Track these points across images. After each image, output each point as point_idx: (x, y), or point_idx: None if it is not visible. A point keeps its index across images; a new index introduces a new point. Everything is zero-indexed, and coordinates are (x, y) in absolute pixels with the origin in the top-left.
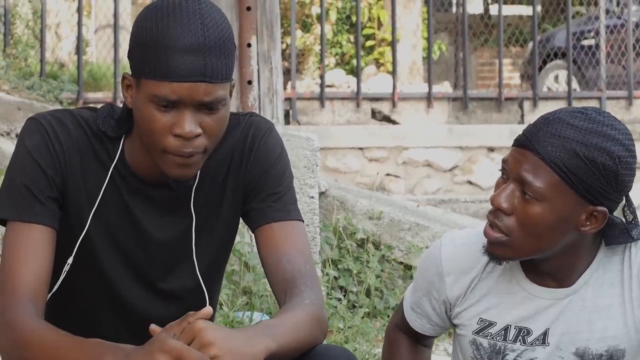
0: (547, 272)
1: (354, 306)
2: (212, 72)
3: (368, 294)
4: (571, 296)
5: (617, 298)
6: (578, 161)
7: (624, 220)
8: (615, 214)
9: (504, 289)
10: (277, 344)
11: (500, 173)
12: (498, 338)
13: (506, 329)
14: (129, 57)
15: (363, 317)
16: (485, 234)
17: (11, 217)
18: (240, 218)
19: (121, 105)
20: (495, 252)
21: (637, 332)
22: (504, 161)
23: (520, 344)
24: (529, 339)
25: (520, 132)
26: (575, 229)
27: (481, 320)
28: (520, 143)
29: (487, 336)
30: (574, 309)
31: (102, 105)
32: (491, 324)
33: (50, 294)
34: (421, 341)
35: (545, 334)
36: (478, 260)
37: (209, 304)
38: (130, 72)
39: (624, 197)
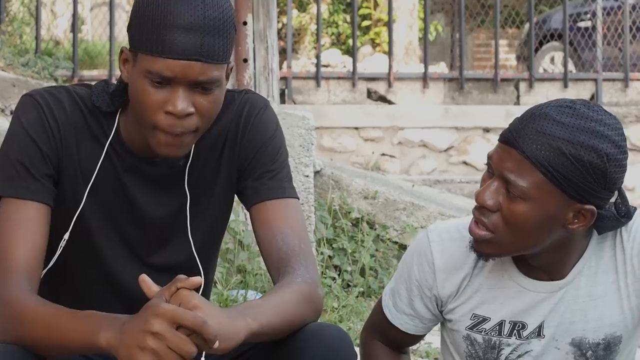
0: (538, 266)
1: (349, 285)
2: (208, 52)
3: (362, 273)
4: (564, 288)
5: (612, 285)
6: (564, 160)
7: (615, 213)
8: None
9: (496, 284)
10: (259, 323)
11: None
12: (492, 333)
13: (501, 324)
14: (128, 30)
15: (357, 297)
16: (470, 231)
17: (6, 194)
18: (235, 196)
19: (116, 82)
20: (481, 249)
21: (633, 317)
22: (489, 157)
23: (516, 338)
24: (524, 333)
25: (507, 126)
26: (563, 227)
27: (474, 316)
28: (505, 139)
29: (481, 332)
30: (568, 299)
31: (97, 82)
32: (485, 320)
33: (45, 270)
34: (401, 348)
35: (540, 326)
36: (468, 256)
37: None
38: (128, 46)
39: (615, 192)
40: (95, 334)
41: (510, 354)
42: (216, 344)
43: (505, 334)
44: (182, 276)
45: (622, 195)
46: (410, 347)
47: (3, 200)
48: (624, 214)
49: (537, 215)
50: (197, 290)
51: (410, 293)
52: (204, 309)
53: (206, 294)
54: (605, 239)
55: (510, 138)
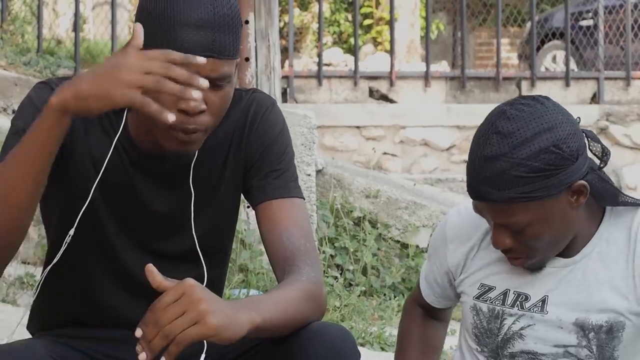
0: None
1: (350, 284)
2: (220, 48)
3: (364, 272)
4: (571, 266)
5: (620, 273)
6: (525, 180)
7: (596, 158)
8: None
9: (504, 257)
10: (262, 318)
11: None
12: (497, 302)
13: (505, 293)
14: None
15: (359, 296)
16: (513, 264)
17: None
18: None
19: None
20: (533, 266)
21: (638, 306)
22: (475, 211)
23: (518, 309)
24: (527, 305)
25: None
26: (572, 209)
27: (482, 286)
28: (474, 197)
29: (486, 301)
30: (574, 279)
31: None
32: (491, 289)
33: (52, 263)
34: (435, 315)
35: (543, 301)
36: (478, 228)
37: (208, 278)
38: None
39: (586, 151)
40: (46, 110)
41: (512, 324)
42: (203, 83)
43: (508, 303)
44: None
45: (592, 138)
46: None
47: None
48: (601, 152)
49: (546, 225)
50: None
51: (431, 266)
52: (208, 300)
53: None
54: (619, 229)
55: (477, 196)
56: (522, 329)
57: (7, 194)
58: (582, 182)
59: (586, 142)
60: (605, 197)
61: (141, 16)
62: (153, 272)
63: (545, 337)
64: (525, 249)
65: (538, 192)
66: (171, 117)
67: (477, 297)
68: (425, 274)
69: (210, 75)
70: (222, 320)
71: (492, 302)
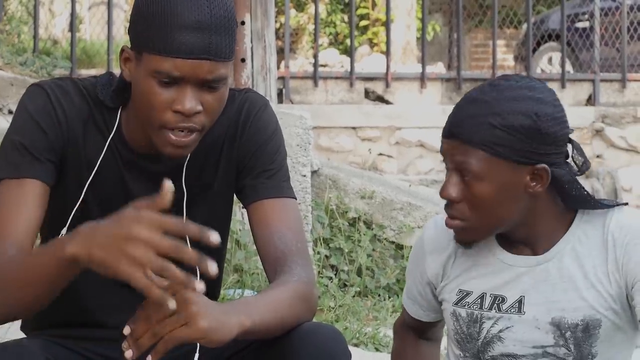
0: (519, 240)
1: (345, 285)
2: (216, 50)
3: (359, 273)
4: (544, 264)
5: (595, 269)
6: (497, 131)
7: (571, 173)
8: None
9: (480, 261)
10: (252, 320)
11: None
12: (474, 307)
13: (482, 297)
14: (129, 30)
15: (354, 296)
16: (446, 223)
17: (5, 175)
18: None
19: (117, 80)
20: (461, 237)
21: (614, 303)
22: (441, 153)
23: (495, 312)
24: (504, 307)
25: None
26: (525, 192)
27: (459, 291)
28: (445, 134)
29: (464, 306)
30: (549, 278)
31: (102, 74)
32: (468, 294)
33: None
34: (427, 334)
35: (520, 302)
36: (452, 238)
37: (200, 279)
38: (129, 45)
39: (564, 147)
40: (60, 249)
41: (491, 327)
42: (213, 267)
43: (486, 307)
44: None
45: (575, 146)
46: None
47: (4, 181)
48: (582, 162)
49: (496, 189)
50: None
51: (413, 280)
52: (198, 302)
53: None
54: (594, 226)
55: (447, 131)
56: (500, 331)
57: (24, 291)
58: (545, 166)
59: (570, 148)
60: (575, 199)
61: (136, 17)
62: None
63: (523, 338)
64: (465, 209)
65: (501, 150)
66: (172, 305)
67: (456, 303)
68: (407, 291)
69: (207, 77)
70: (212, 323)
71: (470, 307)
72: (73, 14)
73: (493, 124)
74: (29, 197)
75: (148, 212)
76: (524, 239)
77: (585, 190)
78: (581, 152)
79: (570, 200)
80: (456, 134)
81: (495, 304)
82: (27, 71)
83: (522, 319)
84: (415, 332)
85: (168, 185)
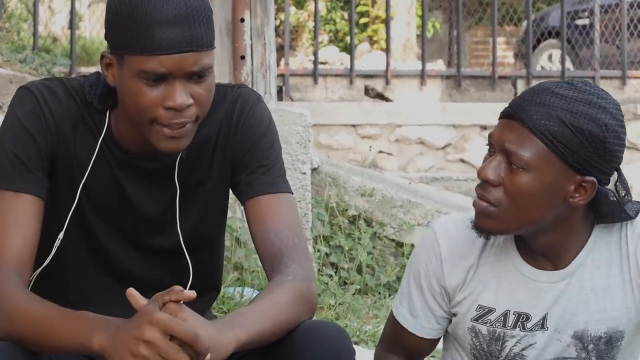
0: (540, 250)
1: (345, 283)
2: (198, 41)
3: (359, 270)
4: (567, 279)
5: (616, 279)
6: (564, 129)
7: (616, 196)
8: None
9: (500, 274)
10: (247, 334)
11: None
12: (497, 325)
13: (505, 315)
14: (107, 34)
15: (354, 294)
16: (474, 204)
17: (2, 186)
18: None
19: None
20: (484, 224)
21: (637, 312)
22: (490, 135)
23: (520, 330)
24: (529, 325)
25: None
26: (564, 201)
27: (480, 307)
28: (506, 114)
29: (486, 323)
30: (571, 291)
31: (89, 74)
32: (490, 311)
33: (41, 268)
34: (417, 355)
35: (544, 318)
36: (474, 245)
37: (194, 270)
38: (109, 50)
39: (614, 170)
40: (88, 337)
41: (514, 346)
42: (208, 356)
43: (509, 325)
44: (178, 287)
45: (621, 177)
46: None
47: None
48: (624, 194)
49: (539, 186)
50: (200, 292)
51: (422, 292)
52: (192, 322)
53: (214, 295)
54: (611, 233)
55: (510, 112)
56: (523, 349)
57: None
58: (594, 180)
59: (616, 175)
60: (609, 217)
61: (113, 20)
62: (135, 296)
63: (545, 352)
64: (500, 195)
65: (561, 148)
66: None
67: (476, 319)
68: (409, 306)
69: (193, 69)
70: (207, 343)
71: (492, 325)
72: (73, 12)
73: (563, 119)
74: (27, 214)
75: (161, 315)
76: (545, 250)
77: (625, 212)
78: (625, 185)
79: (602, 217)
80: (521, 116)
81: (520, 322)
82: (27, 69)
83: (545, 334)
84: (405, 357)
85: (191, 294)
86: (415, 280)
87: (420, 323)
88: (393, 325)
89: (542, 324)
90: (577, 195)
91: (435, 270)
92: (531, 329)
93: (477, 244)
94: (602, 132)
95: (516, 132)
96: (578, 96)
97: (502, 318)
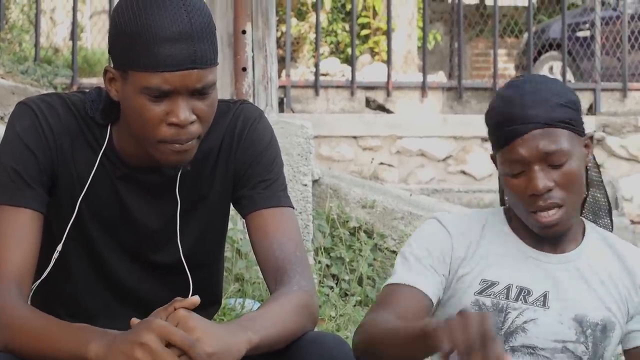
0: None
1: (346, 294)
2: (202, 58)
3: (360, 282)
4: (570, 263)
5: (610, 274)
6: (565, 109)
7: (593, 160)
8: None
9: (504, 251)
10: (259, 336)
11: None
12: (501, 297)
13: (508, 287)
14: (111, 49)
15: (355, 306)
16: (543, 222)
17: (2, 201)
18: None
19: (104, 99)
20: (558, 227)
21: (624, 310)
22: (512, 161)
23: (522, 303)
24: (530, 299)
25: (505, 129)
26: (585, 166)
27: (483, 281)
28: (525, 128)
29: (490, 295)
30: (573, 277)
31: (90, 89)
32: (494, 284)
33: (40, 280)
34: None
35: (545, 296)
36: (474, 222)
37: (195, 286)
38: (112, 65)
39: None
40: (84, 346)
41: (516, 317)
42: None
43: (512, 298)
44: (179, 298)
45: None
46: None
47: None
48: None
49: (580, 163)
50: (201, 306)
51: (420, 261)
52: (201, 328)
53: (216, 307)
54: (596, 236)
55: (523, 126)
56: (525, 322)
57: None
58: (591, 132)
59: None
60: (591, 204)
61: (117, 36)
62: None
63: (546, 331)
64: (560, 193)
65: (574, 124)
66: None
67: (480, 292)
68: (409, 267)
69: (196, 86)
70: (218, 347)
71: (496, 297)
72: (74, 23)
73: (560, 102)
74: (27, 229)
75: (159, 321)
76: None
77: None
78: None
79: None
80: (538, 119)
81: (522, 296)
82: (29, 80)
83: (546, 312)
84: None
85: (194, 299)
86: (420, 244)
87: (420, 278)
88: (385, 294)
89: (543, 301)
90: (587, 153)
91: (444, 240)
92: (533, 303)
93: (476, 226)
94: (575, 95)
95: (543, 135)
96: (544, 80)
97: (505, 291)
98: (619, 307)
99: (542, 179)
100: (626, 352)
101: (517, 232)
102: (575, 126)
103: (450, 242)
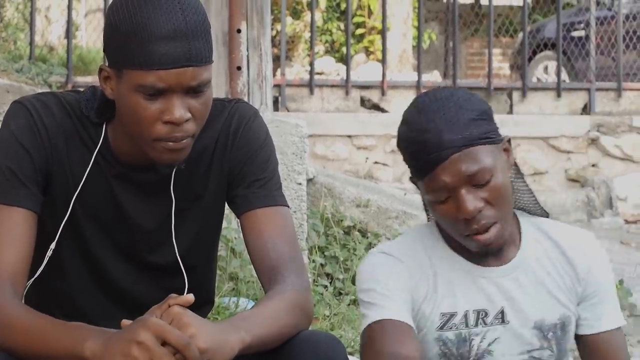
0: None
1: (340, 293)
2: (197, 56)
3: (354, 281)
4: (513, 272)
5: (557, 270)
6: (479, 122)
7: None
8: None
9: (451, 278)
10: (252, 335)
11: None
12: (461, 326)
13: (466, 314)
14: (105, 48)
15: (349, 305)
16: (481, 241)
17: None
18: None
19: (98, 98)
20: (497, 243)
21: (575, 302)
22: (436, 189)
23: (482, 326)
24: (488, 320)
25: (423, 159)
26: (508, 171)
27: (442, 315)
28: (441, 156)
29: (451, 328)
30: (523, 285)
31: (85, 88)
32: (452, 315)
33: (34, 278)
34: None
35: (502, 312)
36: (420, 257)
37: (189, 286)
38: (107, 63)
39: None
40: (80, 345)
41: (480, 342)
42: None
43: (471, 324)
44: (173, 295)
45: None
46: None
47: None
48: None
49: (505, 174)
50: (195, 305)
51: (393, 289)
52: (196, 325)
53: (209, 305)
54: (533, 228)
55: (442, 153)
56: (489, 344)
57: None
58: (506, 136)
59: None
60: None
61: (111, 34)
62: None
63: (510, 347)
64: (491, 211)
65: (492, 134)
66: None
67: (441, 328)
68: (390, 298)
69: (191, 84)
70: (212, 344)
71: (457, 328)
72: (69, 21)
73: (472, 117)
74: (21, 228)
75: (156, 320)
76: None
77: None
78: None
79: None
80: (455, 143)
81: (480, 319)
82: (23, 78)
83: (506, 328)
84: None
85: (189, 297)
86: (384, 286)
87: (390, 309)
88: (367, 340)
89: (501, 318)
90: (507, 154)
91: (401, 276)
92: (492, 323)
93: (422, 256)
94: (484, 103)
95: (463, 161)
96: (450, 95)
97: (464, 319)
98: (568, 298)
99: (471, 201)
100: (576, 337)
101: (459, 252)
102: (492, 137)
103: (406, 280)
